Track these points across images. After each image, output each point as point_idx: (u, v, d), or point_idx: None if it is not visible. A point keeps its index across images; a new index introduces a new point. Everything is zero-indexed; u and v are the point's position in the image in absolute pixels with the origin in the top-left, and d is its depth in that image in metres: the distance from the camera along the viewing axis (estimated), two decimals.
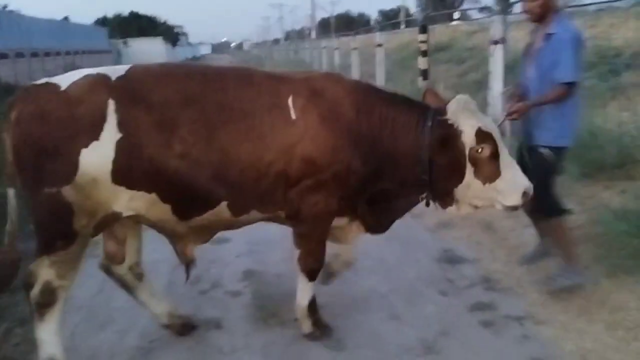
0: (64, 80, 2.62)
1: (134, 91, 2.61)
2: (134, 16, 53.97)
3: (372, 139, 2.80)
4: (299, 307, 3.11)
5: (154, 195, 2.65)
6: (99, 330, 3.35)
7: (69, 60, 28.18)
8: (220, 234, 4.77)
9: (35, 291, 2.65)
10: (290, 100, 2.74)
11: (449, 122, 2.69)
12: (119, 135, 2.52)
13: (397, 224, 4.91)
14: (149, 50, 43.51)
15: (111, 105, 2.53)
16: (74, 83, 2.59)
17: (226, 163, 2.66)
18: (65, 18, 44.91)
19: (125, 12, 54.04)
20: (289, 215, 2.90)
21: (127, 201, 2.64)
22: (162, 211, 2.73)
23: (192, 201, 2.74)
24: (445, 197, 2.90)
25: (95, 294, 3.80)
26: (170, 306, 3.27)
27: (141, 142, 2.55)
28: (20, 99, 2.59)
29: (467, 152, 2.69)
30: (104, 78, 2.62)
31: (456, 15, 29.83)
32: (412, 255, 4.16)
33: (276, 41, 74.68)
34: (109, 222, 2.77)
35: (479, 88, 9.14)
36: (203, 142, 2.61)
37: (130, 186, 2.60)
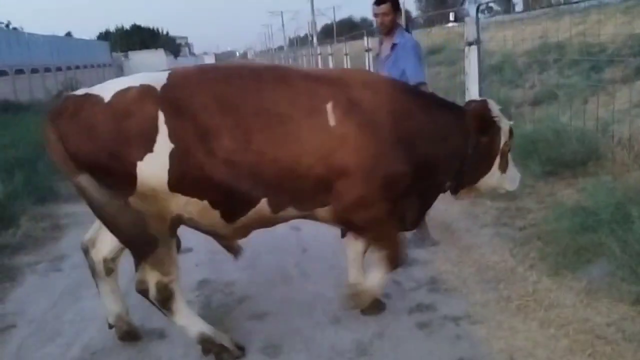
0: (105, 92, 2.62)
1: (178, 100, 2.62)
2: (136, 29, 54.41)
3: (413, 141, 2.86)
4: (369, 290, 3.14)
5: (205, 202, 2.72)
6: (45, 343, 3.38)
7: (69, 75, 28.44)
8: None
9: (152, 293, 2.83)
10: (329, 106, 2.73)
11: (496, 120, 3.02)
12: (171, 146, 2.56)
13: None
14: (150, 63, 43.80)
15: (161, 116, 2.55)
16: (119, 95, 2.58)
17: (266, 167, 2.69)
18: (68, 33, 45.43)
19: (128, 25, 54.49)
20: (343, 223, 3.04)
21: (184, 207, 2.71)
22: (213, 216, 2.79)
23: (237, 204, 2.78)
24: (469, 185, 3.22)
25: (48, 309, 3.84)
26: (123, 310, 3.29)
27: (190, 151, 2.58)
28: (62, 112, 2.59)
29: (501, 146, 3.08)
30: (150, 89, 2.62)
31: (451, 17, 29.89)
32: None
33: (280, 48, 74.94)
34: (179, 223, 2.84)
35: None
36: (242, 148, 2.64)
37: (185, 193, 2.66)
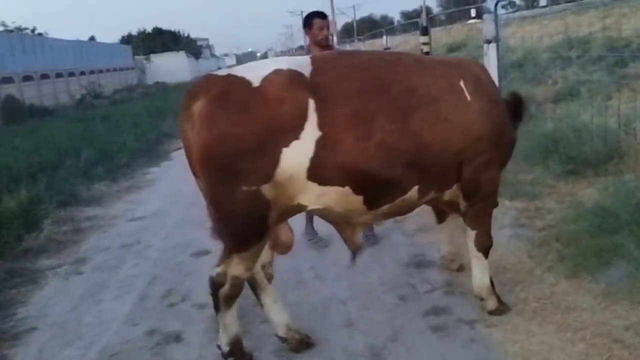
0: (251, 75, 2.57)
1: (326, 87, 2.59)
2: (157, 32, 54.91)
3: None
4: (482, 287, 3.17)
5: (347, 189, 2.66)
6: (65, 347, 3.43)
7: (92, 79, 28.90)
8: (202, 246, 4.91)
9: (226, 288, 2.75)
10: (462, 83, 2.87)
11: None
12: (318, 134, 2.53)
13: (376, 229, 4.93)
14: (171, 65, 44.30)
15: (311, 104, 2.53)
16: (269, 80, 2.54)
17: (420, 148, 2.71)
18: (92, 38, 46.14)
19: (149, 28, 55.07)
20: (468, 194, 3.03)
21: (317, 196, 2.66)
22: (353, 203, 2.73)
23: (386, 190, 2.76)
24: None
25: (69, 311, 3.90)
26: (289, 319, 3.13)
27: (338, 137, 2.55)
28: (206, 91, 2.54)
29: None
30: (299, 75, 2.58)
31: (473, 13, 29.56)
32: (381, 261, 4.15)
33: (300, 48, 74.98)
34: (290, 214, 2.82)
35: None
36: (399, 130, 2.65)
37: (323, 182, 2.62)
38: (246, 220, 2.61)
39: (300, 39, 78.27)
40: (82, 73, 28.74)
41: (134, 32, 54.51)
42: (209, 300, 3.79)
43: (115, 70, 35.30)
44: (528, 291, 3.33)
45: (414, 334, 3.06)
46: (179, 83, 37.38)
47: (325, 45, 4.36)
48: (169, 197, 7.01)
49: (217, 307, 2.84)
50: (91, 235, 5.68)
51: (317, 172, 2.57)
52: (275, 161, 2.50)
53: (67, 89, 25.87)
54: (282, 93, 2.51)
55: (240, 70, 2.64)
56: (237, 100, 2.50)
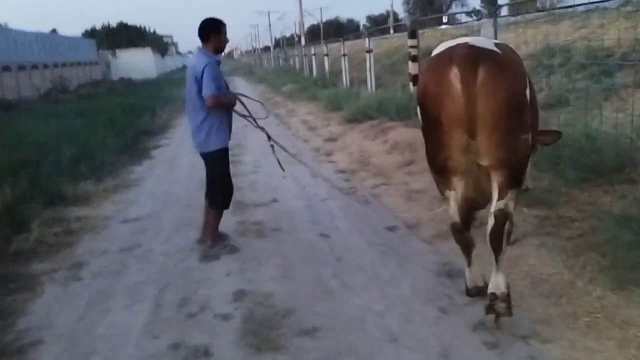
0: (497, 49, 3.02)
1: None
2: (123, 27, 53.66)
3: None
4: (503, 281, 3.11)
5: None
6: None
7: (56, 72, 27.86)
8: (212, 251, 4.65)
9: (508, 225, 3.04)
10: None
11: None
12: None
13: (392, 235, 4.77)
14: (138, 61, 43.30)
15: None
16: (512, 55, 3.15)
17: None
18: (54, 30, 44.62)
19: (114, 22, 53.69)
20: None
21: None
22: None
23: None
24: None
25: (76, 322, 3.60)
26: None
27: None
28: (490, 56, 2.92)
29: None
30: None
31: (444, 19, 29.85)
32: (408, 270, 3.98)
33: (266, 49, 74.54)
34: None
35: None
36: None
37: None
38: (523, 162, 3.11)
39: (267, 38, 77.87)
40: (46, 66, 27.67)
41: (98, 26, 53.08)
42: (231, 310, 3.60)
43: (79, 64, 34.19)
44: (575, 304, 3.21)
45: (467, 351, 2.90)
46: (145, 79, 36.53)
47: (222, 51, 4.59)
48: (160, 197, 6.70)
49: (499, 247, 3.05)
50: (84, 238, 5.33)
51: None
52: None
53: (30, 82, 24.85)
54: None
55: (488, 44, 3.07)
56: (515, 67, 3.05)
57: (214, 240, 4.68)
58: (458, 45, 3.05)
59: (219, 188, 4.64)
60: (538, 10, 16.55)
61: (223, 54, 4.78)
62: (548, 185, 5.16)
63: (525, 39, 12.01)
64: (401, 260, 4.17)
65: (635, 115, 6.16)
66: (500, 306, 3.01)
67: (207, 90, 4.26)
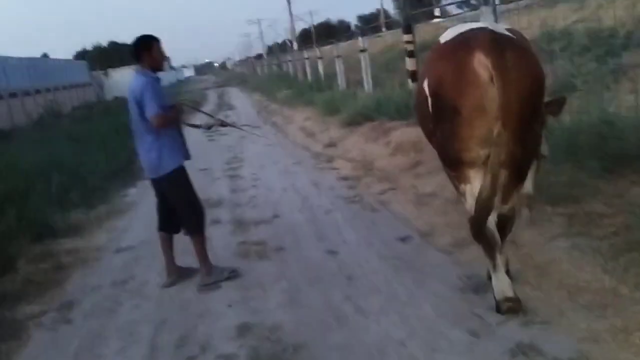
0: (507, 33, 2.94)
1: None
2: (114, 46, 53.51)
3: None
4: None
5: None
6: None
7: (49, 97, 27.56)
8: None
9: (512, 220, 3.12)
10: None
11: None
12: None
13: (405, 247, 4.39)
14: (125, 80, 42.94)
15: None
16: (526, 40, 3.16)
17: None
18: (45, 55, 44.43)
19: (105, 42, 53.52)
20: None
21: None
22: None
23: None
24: None
25: None
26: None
27: None
28: (512, 49, 2.76)
29: None
30: None
31: (437, 12, 29.51)
32: (429, 287, 3.59)
33: (259, 56, 74.26)
34: None
35: None
36: None
37: None
38: (537, 153, 3.07)
39: (259, 46, 77.68)
40: (38, 92, 27.34)
41: (89, 47, 52.93)
42: (235, 349, 3.21)
43: (72, 87, 33.90)
44: (624, 316, 2.81)
45: None
46: None
47: (160, 69, 4.24)
48: (155, 222, 6.28)
49: (503, 237, 3.05)
50: (75, 273, 4.96)
51: None
52: None
53: (22, 109, 24.52)
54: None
55: (500, 29, 2.98)
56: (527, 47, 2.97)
57: (208, 268, 4.25)
58: (474, 30, 2.89)
59: (189, 211, 4.23)
60: None
61: (164, 69, 4.58)
62: (568, 178, 4.76)
63: (521, 25, 11.67)
64: (419, 276, 3.78)
65: None
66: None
67: (151, 110, 3.93)
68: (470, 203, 3.01)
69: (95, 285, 4.58)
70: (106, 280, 4.65)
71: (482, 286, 3.43)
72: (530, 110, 2.77)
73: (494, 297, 3.08)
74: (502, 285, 3.05)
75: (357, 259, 4.27)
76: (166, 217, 4.35)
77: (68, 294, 4.48)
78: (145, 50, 4.08)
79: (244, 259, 4.64)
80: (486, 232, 2.98)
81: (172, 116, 4.14)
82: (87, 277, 4.82)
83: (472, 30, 2.92)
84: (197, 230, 4.26)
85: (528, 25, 11.84)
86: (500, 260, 3.04)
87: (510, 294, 3.03)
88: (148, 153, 4.10)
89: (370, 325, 3.24)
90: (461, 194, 3.13)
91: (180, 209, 4.23)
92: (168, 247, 4.38)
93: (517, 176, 2.93)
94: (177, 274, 4.37)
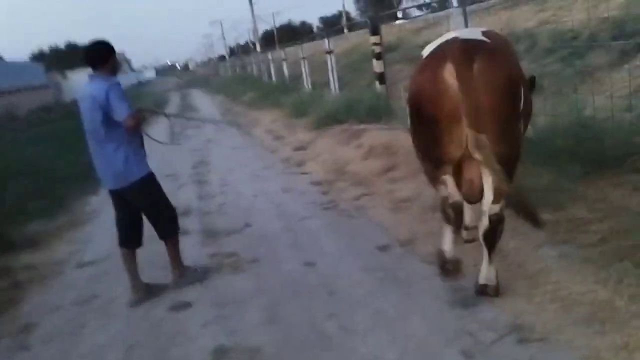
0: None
1: None
2: (71, 47, 52.01)
3: None
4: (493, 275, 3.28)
5: None
6: None
7: (4, 100, 26.47)
8: (178, 296, 4.03)
9: (502, 225, 3.17)
10: None
11: None
12: None
13: (386, 257, 4.22)
14: (85, 85, 41.78)
15: None
16: (501, 41, 3.31)
17: None
18: None
19: (62, 44, 51.96)
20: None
21: None
22: None
23: None
24: None
25: None
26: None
27: None
28: (481, 55, 2.85)
29: None
30: None
31: (399, 14, 29.65)
32: (416, 301, 3.42)
33: (222, 58, 73.39)
34: None
35: None
36: None
37: None
38: (520, 154, 3.16)
39: (221, 48, 76.75)
40: None
41: (46, 48, 51.31)
42: None
43: (27, 89, 32.68)
44: (623, 332, 2.69)
45: None
46: None
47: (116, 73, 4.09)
48: None
49: (492, 246, 3.18)
50: (33, 290, 4.62)
51: None
52: None
53: None
54: None
55: (467, 34, 3.19)
56: (507, 55, 3.10)
57: (182, 270, 4.23)
58: (448, 42, 3.05)
59: (163, 215, 4.13)
60: None
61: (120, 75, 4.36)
62: (549, 183, 4.68)
63: (485, 27, 11.70)
64: (404, 289, 3.61)
65: (617, 96, 5.81)
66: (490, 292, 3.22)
67: (123, 112, 3.73)
68: (452, 189, 3.31)
69: (56, 305, 4.25)
70: (68, 299, 4.33)
71: (470, 300, 3.28)
72: (505, 111, 2.87)
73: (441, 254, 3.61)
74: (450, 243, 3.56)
75: (338, 271, 4.07)
76: (128, 232, 4.14)
77: (25, 316, 4.14)
78: (102, 59, 3.90)
79: (216, 273, 4.39)
80: (462, 216, 3.53)
81: (145, 116, 4.10)
82: (47, 296, 4.48)
83: (446, 41, 3.06)
84: (172, 233, 4.19)
85: (492, 26, 11.90)
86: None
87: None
88: (111, 161, 3.87)
89: (357, 345, 3.04)
90: (442, 184, 3.34)
91: (154, 214, 4.11)
92: (132, 263, 4.13)
93: (501, 182, 2.96)
94: (145, 291, 4.11)
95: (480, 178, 3.11)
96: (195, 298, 3.98)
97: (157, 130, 5.34)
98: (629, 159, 4.64)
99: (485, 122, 2.82)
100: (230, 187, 7.28)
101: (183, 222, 5.54)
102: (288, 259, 4.46)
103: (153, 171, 4.09)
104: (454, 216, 3.42)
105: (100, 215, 6.81)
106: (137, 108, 4.03)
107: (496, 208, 3.07)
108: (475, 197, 3.24)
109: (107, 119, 3.74)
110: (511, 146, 2.98)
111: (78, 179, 8.85)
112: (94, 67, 3.89)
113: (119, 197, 4.05)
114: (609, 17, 9.79)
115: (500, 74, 2.85)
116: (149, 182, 4.02)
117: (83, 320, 3.93)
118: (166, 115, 5.03)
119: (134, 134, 3.90)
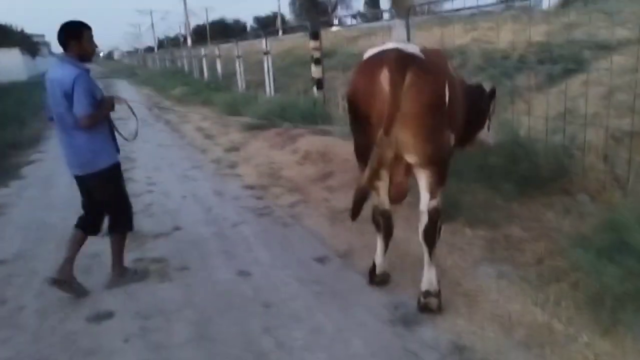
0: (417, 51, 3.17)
1: None
2: None
3: None
4: (433, 277, 3.32)
5: None
6: None
7: None
8: (98, 305, 3.71)
9: (440, 222, 3.26)
10: None
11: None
12: None
13: (323, 269, 4.09)
14: (4, 63, 39.26)
15: None
16: (435, 60, 3.29)
17: None
18: None
19: None
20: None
21: None
22: None
23: None
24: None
25: None
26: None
27: None
28: (411, 66, 2.97)
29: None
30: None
31: (335, 21, 29.88)
32: (355, 317, 3.31)
33: (149, 49, 71.13)
34: None
35: None
36: None
37: None
38: (448, 159, 3.26)
39: (149, 39, 74.33)
40: None
41: None
42: None
43: None
44: (563, 356, 2.70)
45: None
46: (13, 83, 33.00)
47: (88, 59, 3.88)
48: (32, 231, 5.50)
49: (432, 243, 3.25)
50: None
51: None
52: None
53: None
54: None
55: (410, 48, 3.17)
56: (436, 70, 3.14)
57: (123, 270, 4.12)
58: (387, 50, 3.19)
59: (120, 208, 4.06)
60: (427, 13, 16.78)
61: (93, 59, 4.12)
62: (484, 200, 4.74)
63: (418, 42, 11.93)
64: (343, 304, 3.48)
65: (546, 118, 6.01)
66: (433, 303, 3.25)
67: (81, 110, 3.61)
68: (383, 197, 3.46)
69: None
70: None
71: (411, 318, 3.21)
72: (431, 120, 3.04)
73: (373, 271, 3.70)
74: (384, 263, 3.69)
75: (273, 282, 3.90)
76: (90, 218, 4.04)
77: None
78: (75, 39, 3.71)
79: (141, 280, 4.09)
80: (391, 223, 3.56)
81: (105, 113, 3.86)
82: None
83: (388, 49, 3.18)
84: (125, 228, 4.13)
85: (425, 42, 12.15)
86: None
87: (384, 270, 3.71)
88: (77, 149, 3.77)
89: None
90: (375, 190, 3.43)
91: (111, 206, 4.03)
92: (77, 248, 3.95)
93: (436, 179, 3.17)
94: (69, 281, 3.85)
95: (407, 182, 3.40)
96: (117, 308, 3.67)
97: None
98: (560, 180, 4.79)
99: (409, 127, 3.03)
100: (157, 186, 6.91)
101: (106, 223, 5.19)
102: (220, 267, 4.24)
103: (119, 162, 4.02)
104: (383, 223, 3.54)
105: (9, 210, 6.28)
106: (109, 96, 3.96)
107: (434, 202, 3.19)
108: (400, 201, 3.59)
109: (72, 108, 3.62)
110: (435, 150, 3.12)
111: None
112: (64, 49, 3.73)
113: (83, 182, 3.93)
114: (534, 43, 10.24)
115: (429, 87, 3.03)
116: (112, 174, 3.92)
117: None
118: (133, 113, 4.94)
119: (100, 124, 3.80)
